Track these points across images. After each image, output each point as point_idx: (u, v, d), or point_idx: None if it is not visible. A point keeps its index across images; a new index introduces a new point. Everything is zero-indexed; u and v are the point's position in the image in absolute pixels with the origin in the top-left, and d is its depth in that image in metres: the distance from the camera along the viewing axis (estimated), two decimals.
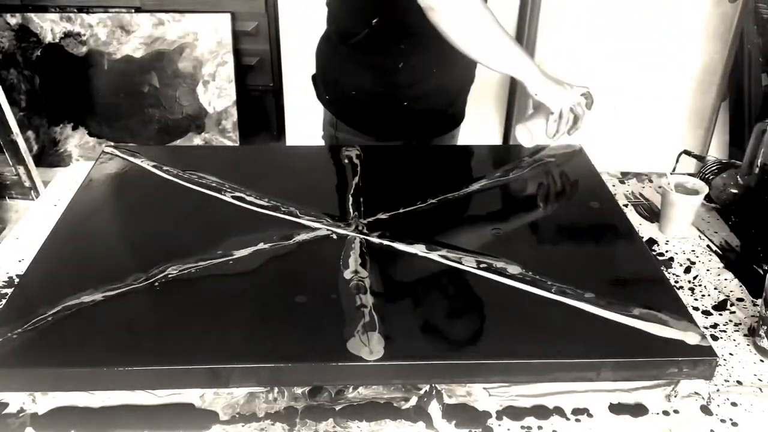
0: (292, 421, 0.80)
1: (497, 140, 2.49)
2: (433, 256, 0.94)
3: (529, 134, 1.21)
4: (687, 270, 1.07)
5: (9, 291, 0.92)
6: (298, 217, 1.02)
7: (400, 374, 0.80)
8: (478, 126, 2.46)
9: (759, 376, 0.88)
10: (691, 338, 0.81)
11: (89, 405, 0.80)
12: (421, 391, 0.82)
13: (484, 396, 0.82)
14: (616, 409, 0.82)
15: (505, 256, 0.94)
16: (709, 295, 1.02)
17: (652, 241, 1.13)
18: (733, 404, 0.83)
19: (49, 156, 2.55)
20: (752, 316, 0.97)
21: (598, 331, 0.82)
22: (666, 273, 1.03)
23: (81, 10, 2.41)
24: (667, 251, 1.12)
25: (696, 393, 0.83)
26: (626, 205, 1.23)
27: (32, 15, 2.41)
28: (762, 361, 0.90)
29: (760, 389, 0.86)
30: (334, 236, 0.99)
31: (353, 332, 0.80)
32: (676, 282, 1.04)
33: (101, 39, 2.42)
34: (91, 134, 2.55)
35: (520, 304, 0.87)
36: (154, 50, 2.43)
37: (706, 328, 0.95)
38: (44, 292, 0.86)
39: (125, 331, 0.82)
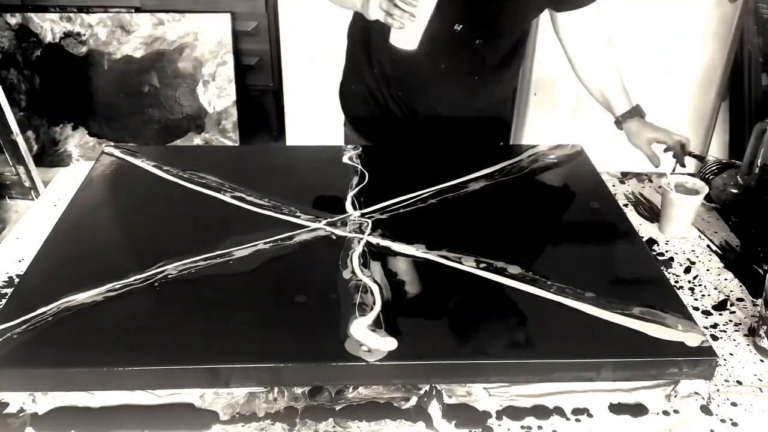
0: (292, 421, 0.80)
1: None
2: (433, 256, 0.94)
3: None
4: (687, 270, 1.07)
5: (9, 291, 0.92)
6: (298, 217, 1.02)
7: (400, 374, 0.80)
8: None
9: (759, 376, 0.87)
10: (691, 338, 0.81)
11: (89, 405, 0.80)
12: (421, 391, 0.82)
13: (484, 396, 0.82)
14: (616, 409, 0.82)
15: (505, 256, 0.94)
16: (709, 295, 1.02)
17: (652, 241, 1.13)
18: (733, 404, 0.83)
19: (49, 156, 2.55)
20: (752, 316, 0.97)
21: (598, 331, 0.82)
22: (666, 273, 1.03)
23: (81, 10, 2.41)
24: (667, 251, 1.12)
25: (696, 393, 0.83)
26: (626, 205, 1.23)
27: (32, 15, 2.41)
28: (762, 361, 0.90)
29: (760, 389, 0.86)
30: (334, 236, 0.99)
31: (353, 332, 0.80)
32: (676, 282, 1.04)
33: (101, 39, 2.43)
34: (91, 134, 2.55)
35: (520, 304, 0.87)
36: (154, 50, 2.43)
37: (706, 328, 0.95)
38: (44, 292, 0.86)
39: (125, 331, 0.82)
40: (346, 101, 1.42)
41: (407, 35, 1.08)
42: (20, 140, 2.13)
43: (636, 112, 1.30)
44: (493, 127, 1.41)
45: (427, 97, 1.31)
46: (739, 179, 1.21)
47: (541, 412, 0.81)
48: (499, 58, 1.29)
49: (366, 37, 1.31)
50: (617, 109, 1.31)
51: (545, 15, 1.34)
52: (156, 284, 0.88)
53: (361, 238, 0.98)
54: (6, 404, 0.80)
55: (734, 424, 0.80)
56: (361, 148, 1.24)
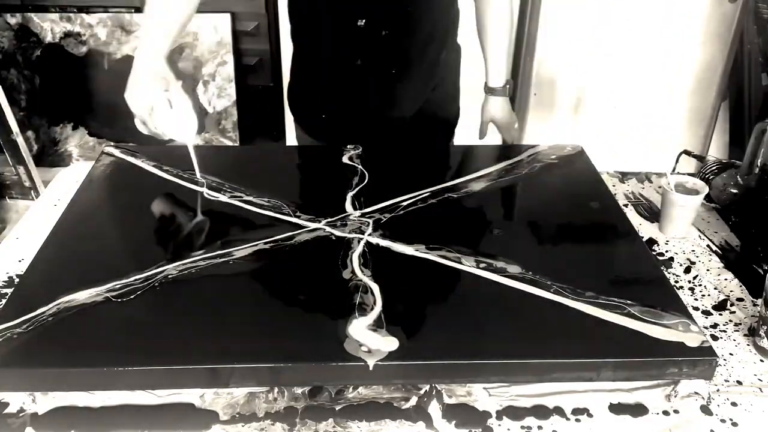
0: (292, 421, 0.80)
1: (497, 140, 2.49)
2: (433, 256, 0.94)
3: None
4: (687, 270, 1.07)
5: (9, 291, 0.92)
6: (298, 217, 1.02)
7: (400, 374, 0.80)
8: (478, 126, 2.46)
9: (759, 376, 0.88)
10: (691, 338, 0.81)
11: (89, 405, 0.80)
12: (421, 391, 0.82)
13: (484, 396, 0.82)
14: (616, 409, 0.82)
15: (505, 256, 0.94)
16: (709, 295, 1.02)
17: (652, 241, 1.13)
18: (733, 404, 0.83)
19: (49, 156, 2.55)
20: (752, 316, 0.97)
21: (598, 331, 0.82)
22: (666, 273, 1.03)
23: (81, 10, 2.41)
24: (667, 251, 1.12)
25: (696, 393, 0.83)
26: (626, 205, 1.23)
27: (32, 15, 2.41)
28: (762, 361, 0.90)
29: (760, 389, 0.86)
30: (333, 237, 0.99)
31: (353, 332, 0.80)
32: (676, 282, 1.04)
33: (101, 39, 2.42)
34: (91, 134, 2.55)
35: (520, 304, 0.87)
36: None
37: (706, 328, 0.95)
38: (44, 291, 0.86)
39: (125, 331, 0.82)
40: (293, 103, 1.43)
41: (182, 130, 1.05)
42: (20, 140, 2.13)
43: (505, 91, 1.38)
44: (435, 126, 1.42)
45: (363, 98, 1.31)
46: (739, 179, 1.21)
47: (541, 412, 0.81)
48: (417, 48, 1.28)
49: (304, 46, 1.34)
50: (491, 78, 1.37)
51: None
52: (156, 284, 0.88)
53: (361, 238, 0.98)
54: (6, 404, 0.80)
55: (734, 424, 0.80)
56: (361, 148, 1.24)
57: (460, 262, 0.93)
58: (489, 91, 1.39)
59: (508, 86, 1.38)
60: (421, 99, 1.35)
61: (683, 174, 1.21)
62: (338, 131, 1.35)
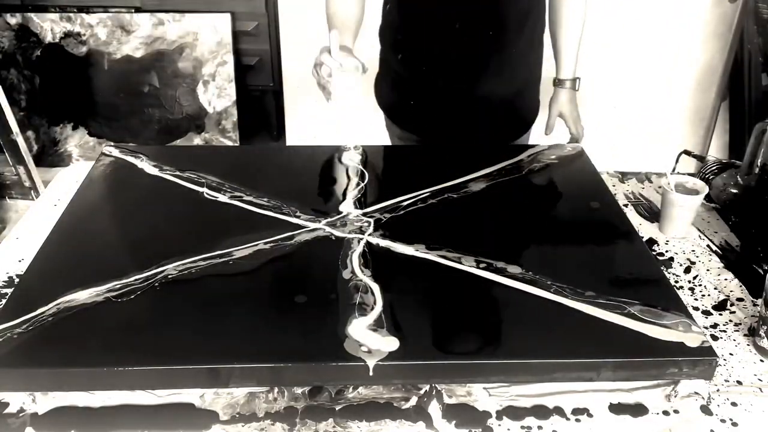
0: (292, 421, 0.80)
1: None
2: (433, 256, 0.94)
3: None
4: (687, 270, 1.07)
5: (9, 291, 0.92)
6: (298, 217, 1.02)
7: (400, 374, 0.80)
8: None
9: (759, 376, 0.88)
10: (691, 338, 0.81)
11: (89, 405, 0.80)
12: (421, 391, 0.82)
13: (484, 396, 0.82)
14: (616, 409, 0.82)
15: (505, 256, 0.94)
16: (709, 295, 1.02)
17: (652, 241, 1.13)
18: (733, 404, 0.83)
19: (49, 156, 2.55)
20: (752, 316, 0.97)
21: (598, 331, 0.82)
22: (666, 273, 1.03)
23: (81, 10, 2.41)
24: (667, 251, 1.12)
25: (696, 393, 0.83)
26: (626, 205, 1.23)
27: (32, 15, 2.41)
28: (762, 361, 0.90)
29: (760, 389, 0.86)
30: (333, 237, 0.99)
31: (353, 332, 0.80)
32: (676, 282, 1.04)
33: (101, 39, 2.43)
34: (91, 134, 2.55)
35: (520, 304, 0.87)
36: (154, 50, 2.43)
37: (706, 328, 0.95)
38: (44, 291, 0.86)
39: (125, 331, 0.82)
40: (380, 93, 1.45)
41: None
42: (20, 140, 2.13)
43: (574, 84, 1.38)
44: (514, 120, 1.41)
45: (446, 63, 1.31)
46: (739, 179, 1.21)
47: (541, 412, 0.81)
48: (516, 18, 1.28)
49: (391, 26, 1.36)
50: (562, 71, 1.37)
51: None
52: (156, 284, 0.88)
53: (361, 238, 0.98)
54: (6, 404, 0.80)
55: (734, 424, 0.80)
56: (361, 148, 1.24)
57: (460, 262, 0.93)
58: (559, 83, 1.38)
59: (577, 80, 1.38)
60: (515, 82, 1.35)
61: (683, 174, 1.21)
62: (426, 117, 1.37)
